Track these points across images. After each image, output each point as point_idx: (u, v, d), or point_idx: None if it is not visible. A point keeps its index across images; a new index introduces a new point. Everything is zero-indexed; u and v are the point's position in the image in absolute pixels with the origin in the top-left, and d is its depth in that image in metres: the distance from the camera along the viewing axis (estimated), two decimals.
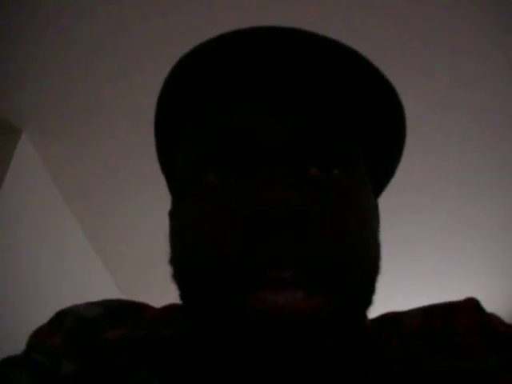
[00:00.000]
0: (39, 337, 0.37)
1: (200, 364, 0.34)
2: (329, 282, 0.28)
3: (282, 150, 0.31)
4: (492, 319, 0.34)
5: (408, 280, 2.04)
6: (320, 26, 1.20)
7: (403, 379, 0.31)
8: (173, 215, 0.36)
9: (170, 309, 0.40)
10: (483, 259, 2.00)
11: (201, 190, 0.32)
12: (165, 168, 0.41)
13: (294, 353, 0.27)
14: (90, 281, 1.84)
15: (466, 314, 0.34)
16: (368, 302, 0.31)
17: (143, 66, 1.29)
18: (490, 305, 0.35)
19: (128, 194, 1.67)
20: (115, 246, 1.90)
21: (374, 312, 0.38)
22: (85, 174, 1.60)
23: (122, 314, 0.39)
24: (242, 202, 0.29)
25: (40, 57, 1.26)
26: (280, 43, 0.32)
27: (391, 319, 0.36)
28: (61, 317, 0.38)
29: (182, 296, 0.32)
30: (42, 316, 0.41)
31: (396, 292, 2.02)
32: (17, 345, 0.41)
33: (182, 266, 0.32)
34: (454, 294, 2.09)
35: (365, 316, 0.35)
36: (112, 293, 2.00)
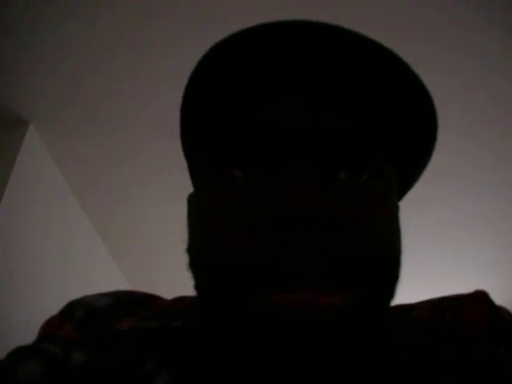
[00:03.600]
0: (50, 327, 0.37)
1: (210, 356, 0.34)
2: (353, 282, 0.28)
3: (312, 150, 0.30)
4: (501, 311, 0.34)
5: (412, 272, 2.04)
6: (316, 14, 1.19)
7: (413, 370, 0.31)
8: (194, 203, 0.36)
9: (180, 300, 0.40)
10: (486, 251, 1.99)
11: (227, 184, 0.31)
12: (187, 151, 0.40)
13: (313, 351, 0.27)
14: (98, 271, 1.85)
15: (475, 306, 0.34)
16: (390, 300, 0.32)
17: (153, 58, 1.29)
18: (494, 295, 0.35)
19: (135, 185, 1.67)
20: (122, 237, 1.91)
21: None
22: (92, 166, 1.60)
23: (132, 304, 0.39)
24: (269, 200, 0.29)
25: (48, 49, 1.26)
26: (318, 39, 0.31)
27: (401, 311, 0.37)
28: (72, 307, 0.38)
29: (199, 286, 0.32)
30: (50, 307, 0.42)
31: (401, 283, 2.02)
32: (24, 335, 0.41)
33: (203, 257, 0.31)
34: (458, 285, 2.10)
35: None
36: (119, 283, 2.01)
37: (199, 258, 0.32)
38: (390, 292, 0.31)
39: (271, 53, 0.32)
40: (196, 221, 0.34)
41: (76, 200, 1.72)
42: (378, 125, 0.33)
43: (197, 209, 0.35)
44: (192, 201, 0.37)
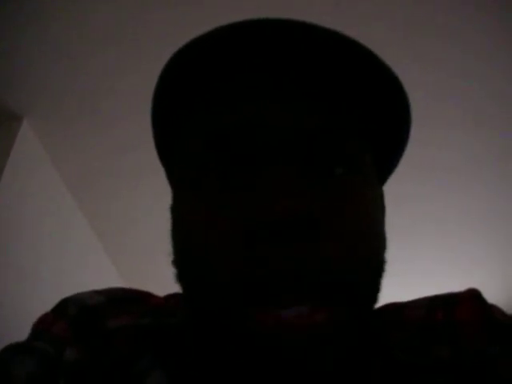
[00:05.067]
0: (43, 324, 0.37)
1: (201, 355, 0.34)
2: (340, 294, 0.27)
3: (287, 149, 0.29)
4: (493, 310, 0.34)
5: (407, 269, 2.05)
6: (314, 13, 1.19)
7: (406, 369, 0.31)
8: (173, 213, 0.35)
9: (174, 298, 0.40)
10: (482, 247, 2.00)
11: (202, 192, 0.31)
12: (163, 159, 0.40)
13: (296, 367, 0.26)
14: (92, 268, 1.85)
15: (467, 304, 0.34)
16: (374, 302, 0.31)
17: (146, 54, 1.28)
18: (488, 292, 0.35)
19: (130, 180, 1.67)
20: (117, 233, 1.90)
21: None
22: (87, 161, 1.60)
23: (125, 302, 0.39)
24: (243, 208, 0.28)
25: (41, 44, 1.25)
26: (288, 35, 0.31)
27: (393, 310, 0.37)
28: (65, 305, 0.38)
29: (187, 299, 0.32)
30: (44, 304, 0.42)
31: (395, 281, 2.03)
32: (18, 333, 0.41)
33: (186, 271, 0.31)
34: (452, 282, 2.10)
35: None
36: (114, 280, 2.01)
37: (182, 273, 0.32)
38: (376, 294, 0.31)
39: (242, 53, 0.32)
40: (174, 233, 0.33)
41: (71, 196, 1.71)
42: (350, 116, 0.33)
43: (175, 220, 0.34)
44: (171, 211, 0.35)
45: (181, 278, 0.32)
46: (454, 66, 1.32)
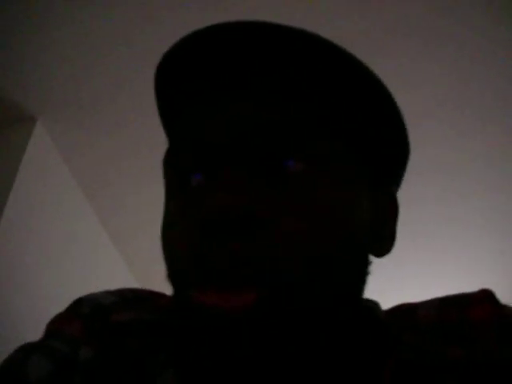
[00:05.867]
0: (57, 324, 0.38)
1: (193, 352, 0.34)
2: (261, 282, 0.28)
3: (232, 149, 0.30)
4: (507, 310, 0.34)
5: (414, 271, 2.03)
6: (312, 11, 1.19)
7: (418, 369, 0.31)
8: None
9: None
10: (487, 249, 1.98)
11: (172, 194, 0.35)
12: None
13: (237, 350, 0.27)
14: (104, 267, 1.86)
15: (480, 305, 0.34)
16: (330, 296, 0.30)
17: (159, 55, 1.29)
18: (500, 292, 0.35)
19: (143, 181, 1.67)
20: (131, 234, 1.91)
21: (385, 304, 0.38)
22: (100, 162, 1.61)
23: (137, 302, 0.39)
24: (195, 207, 0.29)
25: (54, 45, 1.26)
26: (250, 39, 0.32)
27: (406, 311, 0.37)
28: (78, 304, 0.39)
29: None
30: (57, 304, 0.42)
31: (402, 283, 2.02)
32: (30, 331, 0.42)
33: (165, 265, 0.33)
34: (459, 284, 2.08)
35: (378, 308, 0.36)
36: (126, 280, 2.02)
37: (165, 267, 0.34)
38: (330, 289, 0.29)
39: (204, 57, 0.34)
40: (160, 232, 0.36)
41: (83, 195, 1.72)
42: (307, 111, 0.32)
43: (162, 220, 0.36)
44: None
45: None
46: (454, 65, 1.30)
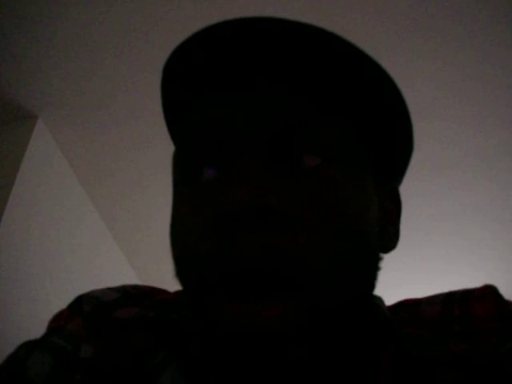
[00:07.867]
0: (59, 321, 0.37)
1: (203, 352, 0.34)
2: (289, 287, 0.27)
3: (256, 144, 0.30)
4: (510, 306, 0.33)
5: (417, 267, 2.03)
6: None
7: (419, 363, 0.31)
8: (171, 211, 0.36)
9: (180, 293, 0.40)
10: (492, 245, 1.98)
11: (182, 190, 0.33)
12: None
13: (266, 361, 0.27)
14: (106, 264, 1.87)
15: (483, 300, 0.34)
16: (352, 295, 0.30)
17: (163, 52, 1.29)
18: (504, 288, 0.35)
19: (144, 178, 1.68)
20: (132, 230, 1.92)
21: (389, 299, 0.38)
22: (101, 159, 1.61)
23: (139, 298, 0.39)
24: (209, 201, 0.29)
25: (55, 43, 1.26)
26: (249, 33, 0.31)
27: (409, 306, 0.37)
28: (80, 301, 0.38)
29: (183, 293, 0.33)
30: (60, 300, 0.42)
31: (406, 279, 2.02)
32: (32, 328, 0.42)
33: (175, 265, 0.33)
34: (463, 280, 2.07)
35: (382, 304, 0.36)
36: (127, 274, 2.03)
37: (174, 267, 0.33)
38: (352, 287, 0.29)
39: (211, 57, 0.33)
40: (170, 230, 0.35)
41: (85, 193, 1.73)
42: (322, 107, 0.32)
43: (171, 217, 0.35)
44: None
45: (175, 271, 0.33)
46: (456, 60, 1.30)
